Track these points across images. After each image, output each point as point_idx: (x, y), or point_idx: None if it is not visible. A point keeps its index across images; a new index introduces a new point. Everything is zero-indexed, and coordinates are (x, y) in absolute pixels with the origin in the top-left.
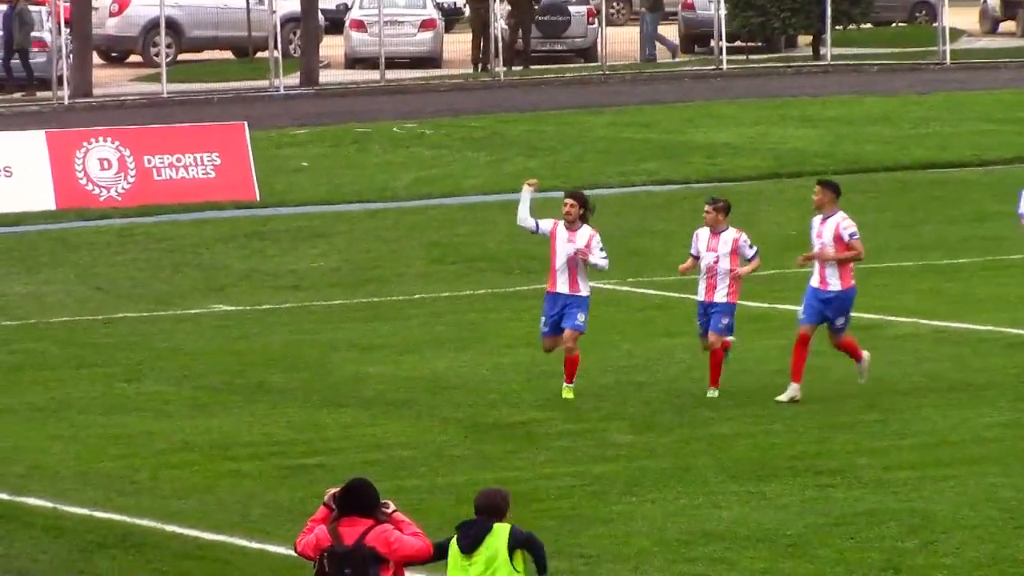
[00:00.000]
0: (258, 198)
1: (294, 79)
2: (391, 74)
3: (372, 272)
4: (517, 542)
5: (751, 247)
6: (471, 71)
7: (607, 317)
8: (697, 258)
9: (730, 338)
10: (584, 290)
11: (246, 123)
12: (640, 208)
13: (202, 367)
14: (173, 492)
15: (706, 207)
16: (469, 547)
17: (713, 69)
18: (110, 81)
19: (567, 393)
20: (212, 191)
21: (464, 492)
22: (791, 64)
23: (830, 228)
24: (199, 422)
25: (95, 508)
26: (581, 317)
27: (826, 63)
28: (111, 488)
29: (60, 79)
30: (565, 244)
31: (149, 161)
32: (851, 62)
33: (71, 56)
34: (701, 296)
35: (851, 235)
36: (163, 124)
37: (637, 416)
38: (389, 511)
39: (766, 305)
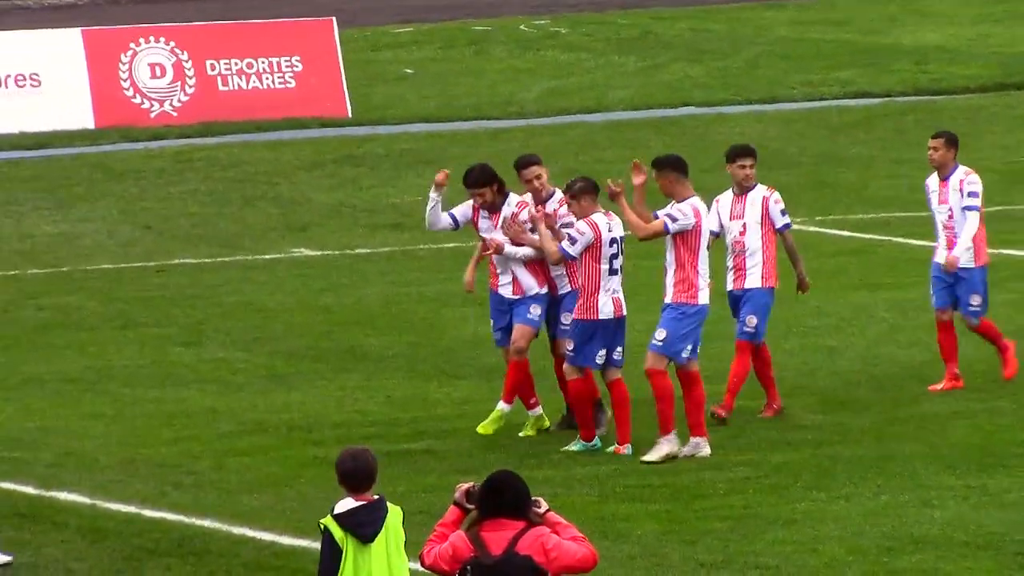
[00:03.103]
0: (350, 114)
1: None
2: None
3: None
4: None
5: (783, 212)
6: None
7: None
8: (717, 234)
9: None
10: (533, 288)
11: (335, 19)
12: (831, 128)
13: (279, 328)
14: (242, 486)
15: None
16: (375, 533)
17: None
18: None
19: (486, 426)
20: (292, 105)
21: (609, 485)
22: None
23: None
24: (275, 397)
25: (144, 506)
26: (536, 310)
27: None
28: (164, 480)
29: None
30: (490, 234)
31: (212, 67)
32: None
33: None
34: (730, 284)
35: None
36: (230, 20)
37: (828, 390)
38: (542, 511)
39: (991, 251)
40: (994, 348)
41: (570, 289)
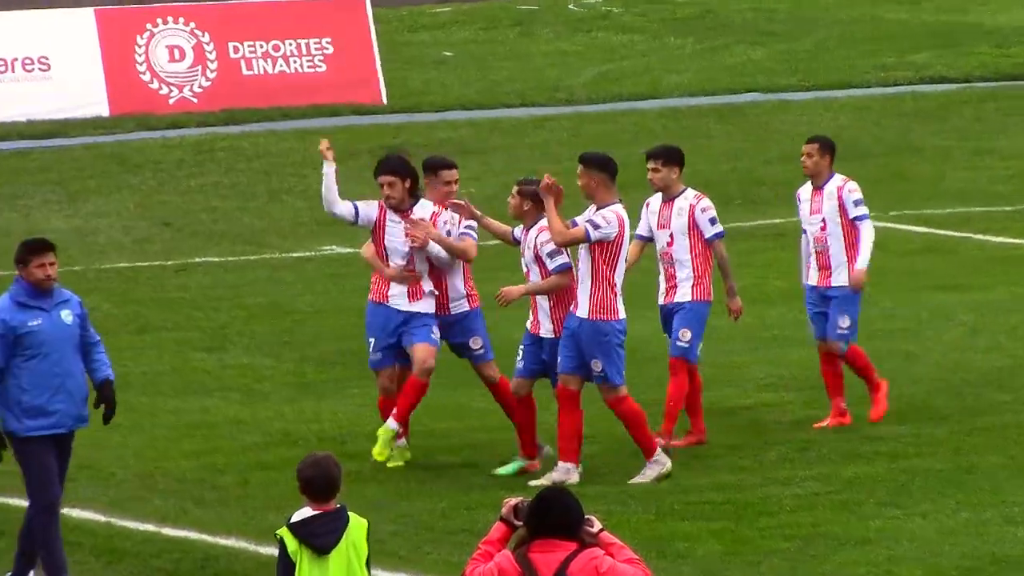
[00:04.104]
0: (385, 101)
1: None
2: None
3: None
4: (369, 548)
5: (713, 221)
6: None
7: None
8: (649, 239)
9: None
10: (428, 304)
11: None
12: (905, 115)
13: (308, 331)
14: (269, 502)
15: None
16: (331, 544)
17: None
18: None
19: (381, 450)
20: (322, 91)
21: (667, 502)
22: None
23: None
24: (304, 406)
25: (164, 524)
26: (436, 331)
27: None
28: (185, 496)
29: None
30: (396, 234)
31: (236, 50)
32: None
33: None
34: (660, 300)
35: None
36: None
37: (903, 399)
38: (595, 530)
39: None
40: (864, 382)
41: (468, 308)
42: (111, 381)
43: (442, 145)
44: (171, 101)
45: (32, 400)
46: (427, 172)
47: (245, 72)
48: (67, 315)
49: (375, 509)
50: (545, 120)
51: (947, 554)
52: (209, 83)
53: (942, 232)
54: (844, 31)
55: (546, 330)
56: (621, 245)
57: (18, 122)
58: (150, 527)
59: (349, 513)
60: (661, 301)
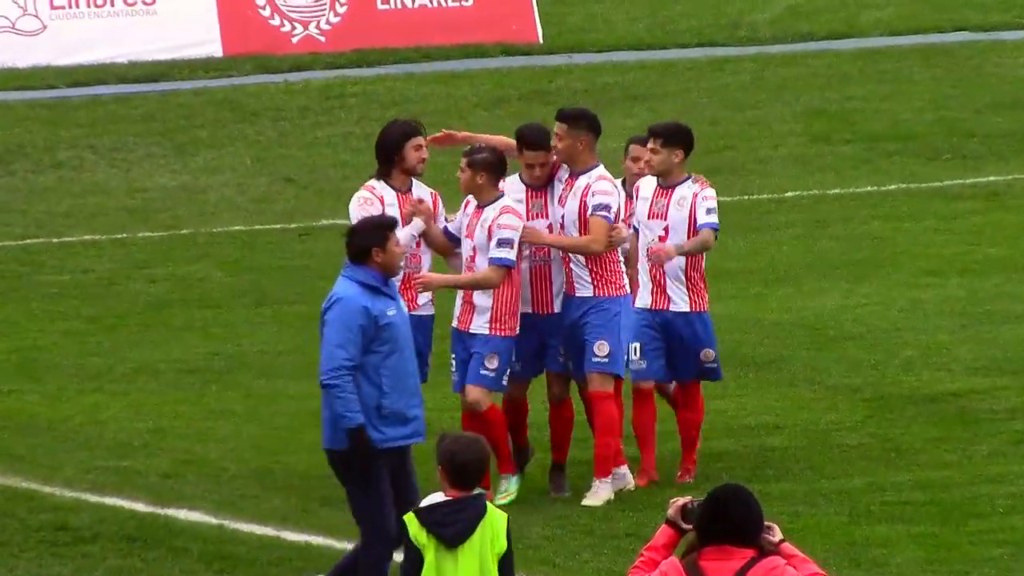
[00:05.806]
0: (540, 39)
1: None
2: None
3: (721, 155)
4: (510, 542)
5: (709, 211)
6: None
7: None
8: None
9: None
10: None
11: None
12: None
13: (452, 306)
14: None
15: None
16: (461, 536)
17: None
18: None
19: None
20: (469, 28)
21: (862, 502)
22: None
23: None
24: (446, 391)
25: (284, 527)
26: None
27: None
28: (310, 494)
29: None
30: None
31: None
32: None
33: None
34: (645, 302)
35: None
36: None
37: None
38: (775, 539)
39: None
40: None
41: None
42: None
43: (605, 90)
44: (294, 39)
45: (392, 404)
46: (518, 144)
47: (380, 6)
48: (404, 305)
49: (535, 507)
50: (725, 62)
51: None
52: (338, 19)
53: None
54: None
55: (478, 325)
56: (619, 213)
57: (119, 64)
58: (268, 530)
59: (487, 503)
60: (645, 304)
